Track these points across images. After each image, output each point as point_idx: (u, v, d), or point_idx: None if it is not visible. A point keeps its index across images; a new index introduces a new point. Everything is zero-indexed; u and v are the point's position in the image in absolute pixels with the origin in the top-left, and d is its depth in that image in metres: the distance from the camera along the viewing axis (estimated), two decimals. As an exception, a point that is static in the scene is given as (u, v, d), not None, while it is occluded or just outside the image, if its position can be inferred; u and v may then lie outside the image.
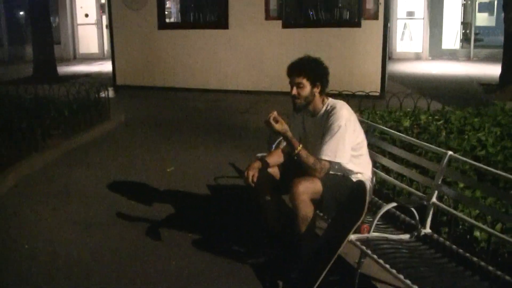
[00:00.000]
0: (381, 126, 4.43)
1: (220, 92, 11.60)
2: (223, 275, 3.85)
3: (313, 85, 3.73)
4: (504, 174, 3.16)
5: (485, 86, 11.67)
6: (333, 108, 3.70)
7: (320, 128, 3.72)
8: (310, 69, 3.73)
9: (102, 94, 8.91)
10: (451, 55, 17.84)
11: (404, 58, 17.57)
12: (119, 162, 6.67)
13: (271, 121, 3.57)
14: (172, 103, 10.88)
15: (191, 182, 5.86)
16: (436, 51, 18.03)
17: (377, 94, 9.80)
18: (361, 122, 4.01)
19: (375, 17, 10.47)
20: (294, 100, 3.78)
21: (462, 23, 18.34)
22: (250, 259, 4.00)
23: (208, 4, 12.28)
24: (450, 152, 3.42)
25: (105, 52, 19.48)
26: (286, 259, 3.83)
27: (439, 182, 3.44)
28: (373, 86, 10.17)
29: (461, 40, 18.32)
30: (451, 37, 18.33)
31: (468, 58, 17.42)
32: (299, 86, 3.71)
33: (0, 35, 20.97)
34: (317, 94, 3.76)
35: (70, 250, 4.30)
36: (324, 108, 3.77)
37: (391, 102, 7.59)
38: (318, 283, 3.23)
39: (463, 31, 18.30)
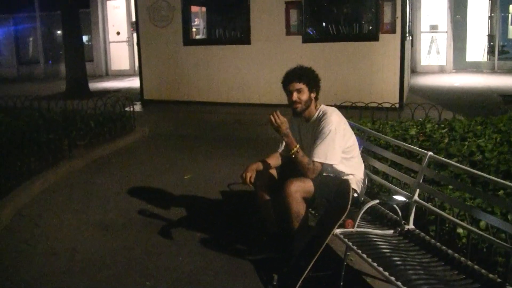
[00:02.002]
0: (368, 129, 4.69)
1: (243, 105, 11.96)
2: (224, 270, 4.16)
3: (311, 91, 4.04)
4: (477, 172, 3.39)
5: (505, 97, 11.76)
6: (324, 114, 4.00)
7: (312, 132, 4.02)
8: (308, 75, 4.05)
9: (128, 108, 9.36)
10: (476, 68, 17.88)
11: (428, 72, 17.69)
12: (140, 171, 7.05)
13: (273, 117, 3.88)
14: (196, 116, 11.29)
15: (206, 188, 6.19)
16: (460, 64, 18.09)
17: (394, 105, 9.97)
18: (352, 127, 4.29)
19: (393, 31, 10.70)
20: (294, 106, 4.08)
21: (489, 35, 18.36)
22: (250, 256, 4.30)
23: (231, 21, 12.73)
24: (430, 153, 3.67)
25: (136, 68, 20.04)
26: (282, 255, 4.11)
27: (420, 181, 3.70)
28: (392, 98, 10.33)
29: (488, 53, 18.33)
30: (475, 50, 18.36)
31: (493, 70, 17.45)
32: (299, 91, 4.02)
33: (37, 53, 21.84)
34: (313, 100, 4.07)
35: (88, 248, 4.68)
36: (317, 114, 4.07)
37: (409, 113, 7.80)
38: (304, 275, 3.50)
39: (490, 44, 18.31)
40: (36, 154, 6.62)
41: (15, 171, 6.08)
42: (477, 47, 18.35)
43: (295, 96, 4.03)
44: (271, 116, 3.90)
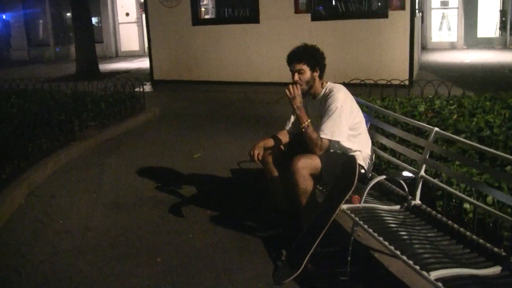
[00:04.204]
0: (376, 106, 4.70)
1: (252, 84, 11.99)
2: (234, 246, 4.23)
3: (313, 70, 4.04)
4: (484, 147, 3.40)
5: (516, 73, 11.69)
6: (330, 91, 4.01)
7: (319, 110, 4.04)
8: (308, 55, 4.04)
9: (138, 89, 9.42)
10: (487, 44, 17.73)
11: (439, 48, 17.58)
12: (150, 150, 7.12)
13: (292, 88, 3.92)
14: (205, 95, 11.34)
15: (215, 166, 6.25)
16: (471, 40, 17.94)
17: (403, 82, 9.95)
18: (361, 104, 4.31)
19: (402, 7, 10.64)
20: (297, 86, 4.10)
21: (501, 10, 18.15)
22: (259, 232, 4.37)
23: (239, 0, 12.68)
24: (436, 129, 3.69)
25: (146, 49, 20.06)
26: (291, 231, 4.16)
27: (427, 157, 3.72)
28: (402, 75, 10.31)
29: (500, 28, 18.13)
30: (487, 26, 18.18)
31: (505, 46, 17.29)
32: (300, 72, 4.03)
33: (47, 35, 21.90)
34: (316, 78, 4.08)
35: (100, 226, 4.76)
36: (323, 91, 4.08)
37: (419, 90, 7.78)
38: (312, 250, 3.55)
39: (502, 19, 18.10)
40: (48, 135, 6.70)
41: (27, 152, 6.17)
42: (488, 23, 18.16)
43: (296, 77, 4.04)
44: (290, 86, 3.93)
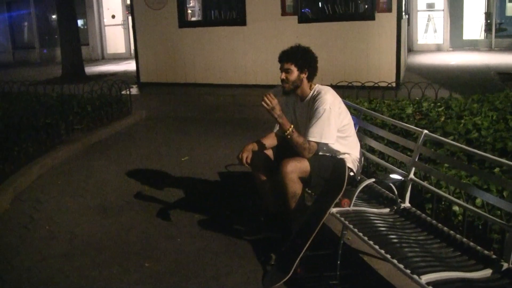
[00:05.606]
0: (364, 109, 4.70)
1: (239, 86, 11.94)
2: (223, 251, 4.20)
3: (301, 71, 4.03)
4: (473, 150, 3.40)
5: (502, 75, 11.73)
6: (318, 93, 4.00)
7: (307, 112, 4.02)
8: (298, 56, 4.03)
9: (124, 91, 9.36)
10: (473, 46, 17.84)
11: (425, 50, 17.65)
12: (137, 154, 7.07)
13: (267, 100, 3.89)
14: (192, 98, 11.28)
15: (203, 170, 6.22)
16: (457, 42, 18.03)
17: (391, 84, 9.95)
18: (349, 107, 4.30)
19: (389, 10, 10.63)
20: (282, 85, 4.10)
21: (486, 13, 18.28)
22: (248, 236, 4.34)
23: (226, 2, 12.64)
24: (425, 131, 3.68)
25: (132, 51, 19.95)
26: (280, 235, 4.14)
27: (416, 159, 3.72)
28: (389, 77, 10.31)
29: (485, 30, 18.25)
30: (472, 28, 18.30)
31: (490, 48, 17.41)
32: (287, 71, 4.03)
33: (32, 38, 21.73)
34: (304, 80, 4.06)
35: (87, 231, 4.71)
36: (311, 93, 4.07)
37: (406, 92, 7.80)
38: (302, 254, 3.53)
39: (487, 21, 18.22)
40: (34, 138, 6.63)
41: (13, 156, 6.10)
42: (474, 25, 18.28)
43: (283, 75, 4.07)
44: (265, 98, 3.91)
